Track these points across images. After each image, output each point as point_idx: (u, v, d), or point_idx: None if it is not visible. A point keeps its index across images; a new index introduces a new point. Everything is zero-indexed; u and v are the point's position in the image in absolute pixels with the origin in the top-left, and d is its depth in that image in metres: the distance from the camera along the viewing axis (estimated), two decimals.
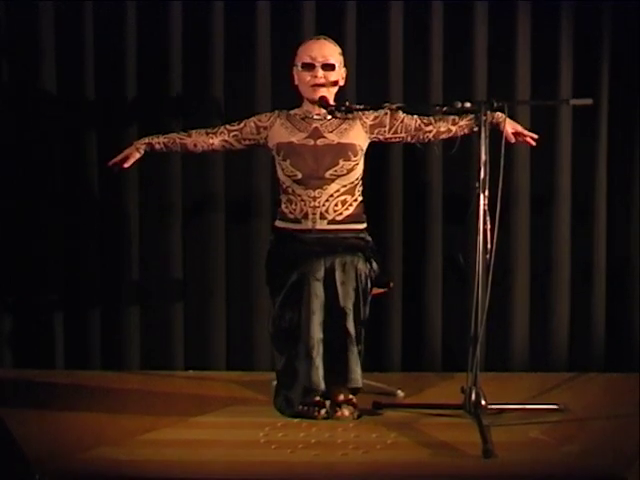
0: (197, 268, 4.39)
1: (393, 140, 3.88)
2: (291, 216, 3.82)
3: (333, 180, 3.77)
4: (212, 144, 3.88)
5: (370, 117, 3.83)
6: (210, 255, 4.37)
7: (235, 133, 3.87)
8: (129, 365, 4.42)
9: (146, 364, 4.43)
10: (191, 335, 4.41)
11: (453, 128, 3.82)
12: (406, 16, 4.35)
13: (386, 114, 3.83)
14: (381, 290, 3.91)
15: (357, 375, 3.55)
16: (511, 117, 3.50)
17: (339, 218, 3.78)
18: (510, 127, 3.75)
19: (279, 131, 3.84)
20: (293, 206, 3.81)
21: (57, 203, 4.40)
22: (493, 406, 3.43)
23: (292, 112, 3.88)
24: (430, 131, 3.83)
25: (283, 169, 3.81)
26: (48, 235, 4.40)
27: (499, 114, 3.68)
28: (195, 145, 3.89)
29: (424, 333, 4.39)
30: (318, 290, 3.53)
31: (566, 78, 4.34)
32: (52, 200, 4.39)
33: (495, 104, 3.44)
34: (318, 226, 3.78)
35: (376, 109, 3.77)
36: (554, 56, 4.34)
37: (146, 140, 3.88)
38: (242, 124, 3.88)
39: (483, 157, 3.40)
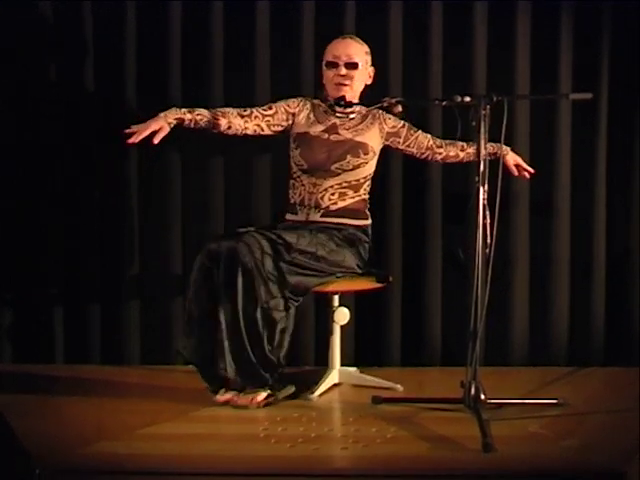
0: None
1: (404, 152, 4.00)
2: (292, 201, 3.90)
3: (338, 174, 3.82)
4: (246, 128, 3.86)
5: (389, 124, 3.92)
6: None
7: (268, 119, 3.88)
8: (129, 360, 4.42)
9: (146, 359, 4.44)
10: None
11: (461, 154, 3.99)
12: (406, 11, 4.34)
13: (404, 126, 3.94)
14: (380, 285, 3.92)
15: (223, 370, 3.58)
16: (510, 111, 3.49)
17: (333, 208, 3.81)
18: (512, 160, 3.97)
19: (302, 120, 3.91)
20: (295, 190, 3.90)
21: (57, 201, 4.39)
22: (493, 400, 3.43)
23: (320, 103, 3.95)
24: (440, 153, 3.98)
25: (293, 157, 3.89)
26: (48, 231, 4.40)
27: (505, 147, 3.81)
28: (229, 127, 3.83)
29: (424, 328, 4.39)
30: (197, 272, 3.63)
31: (566, 72, 4.33)
32: (52, 198, 4.39)
33: (495, 98, 3.43)
34: (311, 218, 3.81)
35: (375, 104, 3.78)
36: (554, 50, 4.33)
37: (177, 114, 3.71)
38: (273, 109, 3.89)
39: (482, 151, 3.40)
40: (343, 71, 3.83)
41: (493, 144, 3.72)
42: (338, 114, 3.90)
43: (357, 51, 3.87)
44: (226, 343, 3.57)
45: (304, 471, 2.90)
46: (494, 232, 3.38)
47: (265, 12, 4.33)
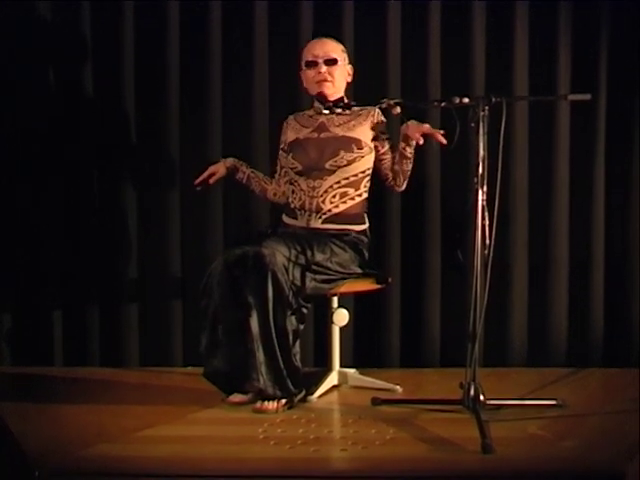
0: (195, 264, 4.38)
1: (377, 160, 3.91)
2: (292, 206, 3.89)
3: (333, 171, 3.81)
4: (284, 192, 3.97)
5: (380, 124, 3.88)
6: (208, 252, 4.35)
7: (285, 170, 3.96)
8: (128, 362, 4.42)
9: (145, 361, 4.44)
10: (190, 331, 4.40)
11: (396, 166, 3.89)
12: (404, 11, 4.35)
13: (389, 139, 3.90)
14: (379, 286, 3.92)
15: (255, 380, 3.53)
16: (509, 113, 3.47)
17: (336, 211, 3.80)
18: (415, 131, 3.70)
19: (288, 133, 3.97)
20: (294, 195, 3.89)
21: (56, 203, 4.40)
22: (492, 401, 3.43)
23: (302, 113, 4.00)
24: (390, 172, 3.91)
25: (287, 162, 3.90)
26: (47, 234, 4.40)
27: (405, 125, 3.72)
28: (275, 194, 4.02)
29: (423, 329, 4.39)
30: (220, 279, 3.58)
31: (564, 73, 4.34)
32: (51, 200, 4.39)
33: (493, 100, 3.43)
34: (312, 224, 3.80)
35: (374, 105, 3.79)
36: (552, 51, 4.34)
37: (235, 162, 3.98)
38: (279, 162, 3.99)
39: (481, 152, 3.40)
40: (323, 68, 3.84)
41: (403, 143, 3.75)
42: (325, 112, 3.85)
43: (334, 48, 3.88)
44: (259, 353, 3.52)
45: (303, 473, 2.89)
46: (493, 234, 3.37)
47: (263, 12, 4.34)
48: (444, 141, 3.66)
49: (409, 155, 3.79)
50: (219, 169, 3.95)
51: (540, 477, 2.89)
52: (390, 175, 3.90)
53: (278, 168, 4.02)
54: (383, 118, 3.90)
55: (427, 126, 3.71)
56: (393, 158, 3.88)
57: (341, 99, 3.85)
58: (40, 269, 4.42)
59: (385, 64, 4.33)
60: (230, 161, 3.99)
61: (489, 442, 3.05)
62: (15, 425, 2.76)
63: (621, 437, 3.20)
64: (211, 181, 3.93)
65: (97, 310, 4.44)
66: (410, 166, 3.84)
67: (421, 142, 3.72)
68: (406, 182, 3.88)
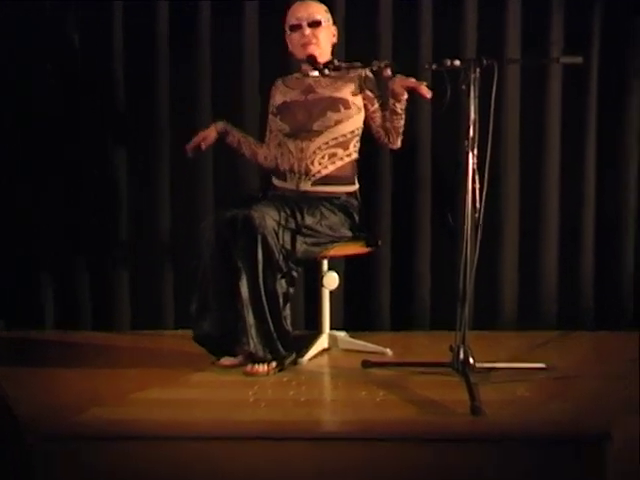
0: (186, 227, 4.38)
1: (368, 119, 3.87)
2: (281, 169, 3.88)
3: (321, 132, 3.80)
4: (275, 156, 3.92)
5: (368, 83, 3.85)
6: (198, 214, 4.35)
7: (275, 134, 3.94)
8: (119, 325, 4.43)
9: (136, 324, 4.45)
10: (180, 294, 4.41)
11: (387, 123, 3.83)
12: None
13: (379, 97, 3.85)
14: (370, 249, 3.92)
15: (245, 344, 3.55)
16: (500, 76, 3.45)
17: (325, 172, 3.79)
18: (399, 85, 3.68)
19: (277, 96, 3.94)
20: (283, 157, 3.87)
21: (49, 167, 4.38)
22: (481, 364, 3.45)
23: (290, 76, 3.97)
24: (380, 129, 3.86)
25: (276, 125, 3.89)
26: (38, 199, 4.39)
27: (389, 82, 3.68)
28: (265, 158, 3.98)
29: (413, 292, 4.40)
30: (209, 239, 3.59)
31: (557, 37, 4.31)
32: (43, 166, 4.38)
33: (485, 62, 3.41)
34: (302, 187, 3.80)
35: (365, 67, 3.76)
36: (544, 13, 4.31)
37: (226, 126, 3.94)
38: (268, 125, 3.97)
39: (472, 116, 3.38)
40: (307, 31, 3.81)
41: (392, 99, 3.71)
42: (312, 75, 3.83)
43: (318, 10, 3.85)
44: (249, 316, 3.53)
45: (294, 435, 2.91)
46: (483, 197, 3.37)
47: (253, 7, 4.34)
48: (428, 95, 3.61)
49: (399, 111, 3.76)
50: (210, 134, 3.92)
51: (529, 439, 2.91)
52: (382, 132, 3.86)
53: (268, 132, 4.00)
54: (371, 75, 3.87)
55: (412, 80, 3.68)
56: (384, 116, 3.85)
57: (331, 61, 3.81)
58: (31, 232, 4.41)
59: (376, 27, 4.30)
60: (221, 125, 3.96)
61: (478, 404, 3.06)
62: (7, 390, 2.76)
63: (609, 400, 3.23)
64: (203, 146, 3.91)
65: (88, 273, 4.44)
66: (401, 122, 3.80)
67: (405, 97, 3.71)
68: (400, 139, 3.84)
